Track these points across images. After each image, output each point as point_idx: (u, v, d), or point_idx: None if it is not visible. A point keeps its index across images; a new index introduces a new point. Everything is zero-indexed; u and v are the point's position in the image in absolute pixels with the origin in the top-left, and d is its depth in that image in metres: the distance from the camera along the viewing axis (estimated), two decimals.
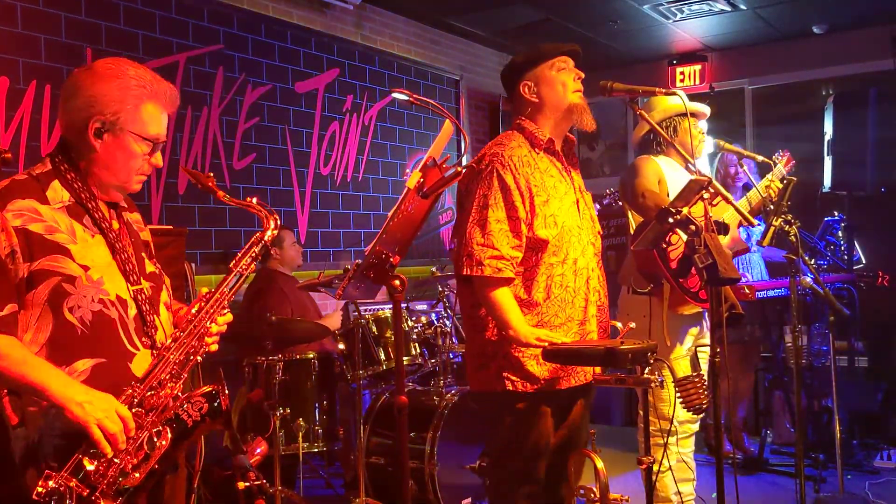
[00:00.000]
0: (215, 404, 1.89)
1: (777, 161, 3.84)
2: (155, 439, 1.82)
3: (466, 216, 2.70)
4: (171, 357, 1.90)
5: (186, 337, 1.93)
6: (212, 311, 1.98)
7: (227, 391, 1.92)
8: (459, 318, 4.27)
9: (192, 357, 1.93)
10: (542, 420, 2.70)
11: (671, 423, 3.32)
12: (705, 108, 3.75)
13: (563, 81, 2.77)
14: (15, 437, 1.84)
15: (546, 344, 2.53)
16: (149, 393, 1.85)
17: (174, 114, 2.03)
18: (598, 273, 2.83)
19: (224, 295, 2.00)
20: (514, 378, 2.66)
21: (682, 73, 7.28)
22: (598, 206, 5.51)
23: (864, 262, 5.48)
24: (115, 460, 1.77)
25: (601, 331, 2.82)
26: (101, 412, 1.75)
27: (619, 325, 2.76)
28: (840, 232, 5.24)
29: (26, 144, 3.88)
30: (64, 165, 1.91)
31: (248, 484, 1.72)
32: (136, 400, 1.84)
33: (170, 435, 1.83)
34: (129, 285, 1.92)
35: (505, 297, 2.62)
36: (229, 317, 2.02)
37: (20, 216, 1.81)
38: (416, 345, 4.31)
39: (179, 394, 1.88)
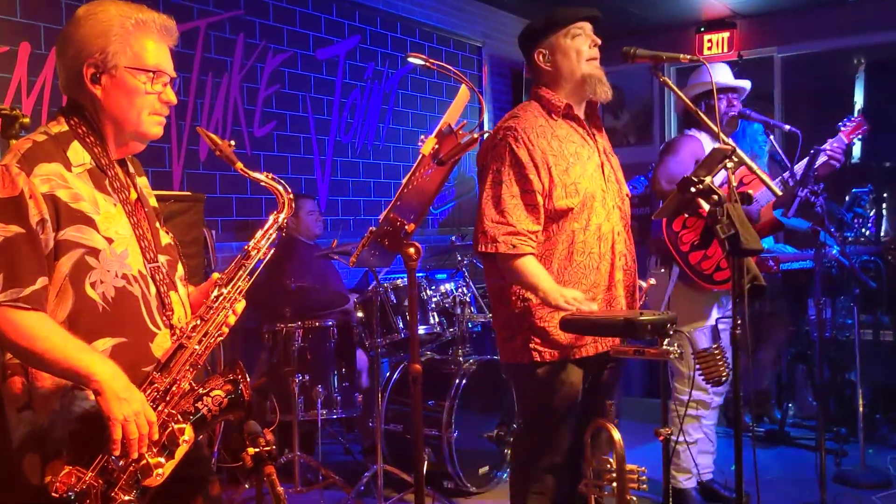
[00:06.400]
0: (235, 396, 1.81)
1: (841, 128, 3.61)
2: (176, 436, 1.73)
3: (481, 192, 2.68)
4: (193, 346, 1.81)
5: (207, 326, 1.84)
6: (231, 298, 1.88)
7: (247, 378, 1.84)
8: (481, 288, 4.26)
9: (210, 345, 1.84)
10: (567, 386, 2.68)
11: (689, 397, 3.31)
12: (745, 84, 3.71)
13: (578, 49, 2.69)
14: (18, 421, 1.74)
15: (576, 307, 2.48)
16: (172, 387, 1.76)
17: (175, 47, 1.89)
18: (625, 237, 2.77)
19: (243, 281, 1.91)
20: (540, 348, 2.64)
21: (709, 40, 7.13)
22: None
23: (891, 234, 5.38)
24: (135, 455, 1.68)
25: (628, 295, 2.77)
26: (132, 413, 1.65)
27: (642, 283, 2.74)
28: (868, 203, 5.13)
29: (48, 110, 3.89)
30: (82, 128, 1.80)
31: (258, 450, 1.67)
32: (159, 393, 1.75)
33: (192, 433, 1.75)
34: (146, 262, 1.82)
35: (529, 263, 2.59)
36: (243, 303, 1.93)
37: (48, 181, 1.70)
38: (435, 314, 4.30)
39: (194, 384, 1.80)
